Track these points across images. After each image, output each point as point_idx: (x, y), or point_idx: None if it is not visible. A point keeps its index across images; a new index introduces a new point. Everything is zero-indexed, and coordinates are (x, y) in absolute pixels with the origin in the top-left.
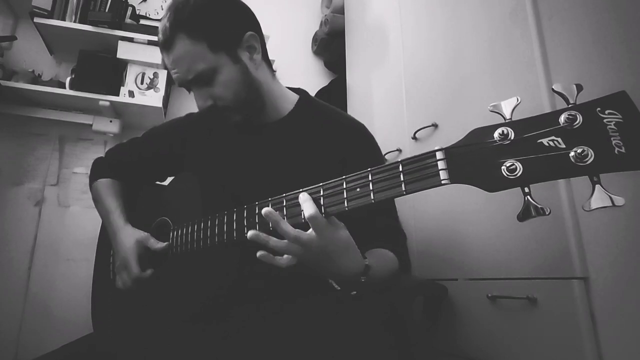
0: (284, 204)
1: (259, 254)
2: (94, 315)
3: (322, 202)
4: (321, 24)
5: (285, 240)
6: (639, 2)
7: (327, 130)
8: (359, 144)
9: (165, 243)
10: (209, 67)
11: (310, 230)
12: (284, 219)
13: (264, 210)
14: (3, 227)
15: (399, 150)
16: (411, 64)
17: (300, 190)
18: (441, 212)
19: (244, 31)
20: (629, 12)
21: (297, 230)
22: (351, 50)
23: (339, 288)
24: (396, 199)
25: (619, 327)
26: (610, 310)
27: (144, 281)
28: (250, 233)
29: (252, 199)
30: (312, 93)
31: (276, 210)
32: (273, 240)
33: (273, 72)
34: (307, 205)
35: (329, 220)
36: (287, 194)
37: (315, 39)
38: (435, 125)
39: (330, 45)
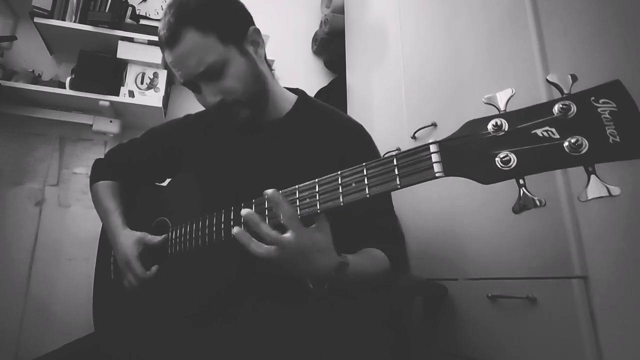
0: (266, 205)
1: (234, 230)
2: (95, 314)
3: (317, 198)
4: (321, 24)
5: (266, 246)
6: None
7: (325, 130)
8: (358, 143)
9: (163, 236)
10: (219, 59)
11: (289, 231)
12: (265, 220)
13: (243, 212)
14: (3, 227)
15: (398, 150)
16: (411, 64)
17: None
18: (441, 212)
19: (248, 25)
20: (626, 5)
21: (276, 232)
22: (351, 50)
23: (312, 287)
24: (396, 199)
25: (619, 326)
26: (610, 310)
27: (150, 280)
28: (234, 230)
29: (251, 198)
30: (312, 93)
31: (260, 211)
32: (254, 244)
33: (272, 71)
34: (283, 207)
35: (311, 221)
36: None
37: (315, 39)
38: (434, 125)
39: (330, 45)
